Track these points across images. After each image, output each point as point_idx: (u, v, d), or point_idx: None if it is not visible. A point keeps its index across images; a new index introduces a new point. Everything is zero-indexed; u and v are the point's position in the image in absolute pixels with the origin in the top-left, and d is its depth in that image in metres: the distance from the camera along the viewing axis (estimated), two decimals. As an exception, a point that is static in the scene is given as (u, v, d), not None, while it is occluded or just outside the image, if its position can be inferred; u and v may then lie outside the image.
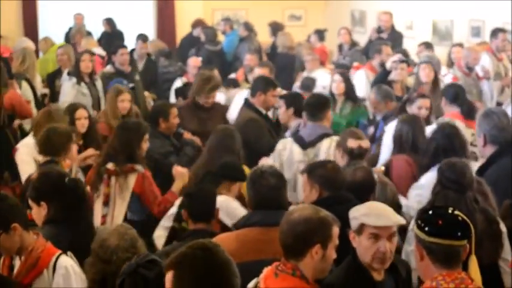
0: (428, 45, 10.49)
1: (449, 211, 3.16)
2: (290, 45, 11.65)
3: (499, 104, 8.72)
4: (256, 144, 6.60)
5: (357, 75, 9.33)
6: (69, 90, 8.70)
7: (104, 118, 7.36)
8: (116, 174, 5.77)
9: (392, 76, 8.32)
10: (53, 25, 14.28)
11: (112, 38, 12.60)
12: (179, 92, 9.10)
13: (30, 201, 4.36)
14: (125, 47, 9.76)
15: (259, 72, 7.87)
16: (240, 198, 5.28)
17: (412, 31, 12.96)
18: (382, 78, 8.26)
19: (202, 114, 7.45)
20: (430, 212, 3.19)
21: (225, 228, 4.83)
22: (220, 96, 8.54)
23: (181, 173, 6.02)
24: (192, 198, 4.75)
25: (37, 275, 3.83)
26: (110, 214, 5.77)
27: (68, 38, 12.49)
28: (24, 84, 8.62)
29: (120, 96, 7.34)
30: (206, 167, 5.73)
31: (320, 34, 12.73)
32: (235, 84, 9.35)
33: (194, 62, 10.00)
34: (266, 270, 3.51)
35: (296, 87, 10.05)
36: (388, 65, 8.32)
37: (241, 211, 4.97)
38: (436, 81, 8.03)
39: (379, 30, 11.81)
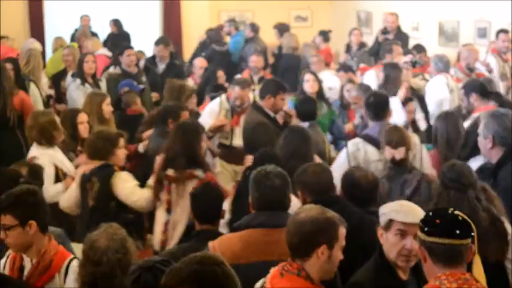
0: (420, 49, 10.50)
1: (449, 211, 3.16)
2: (295, 46, 11.66)
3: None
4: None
5: (367, 75, 9.35)
6: (75, 92, 8.75)
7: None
8: (175, 180, 5.61)
9: None
10: (59, 26, 14.30)
11: (118, 39, 12.61)
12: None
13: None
14: (131, 48, 9.78)
15: (238, 93, 7.53)
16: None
17: (418, 32, 12.96)
18: None
19: None
20: (431, 214, 3.20)
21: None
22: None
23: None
24: (197, 200, 4.74)
25: (49, 278, 3.84)
26: (170, 222, 5.62)
27: (73, 39, 12.51)
28: (32, 86, 8.63)
29: (106, 100, 7.28)
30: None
31: (325, 35, 12.73)
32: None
33: (200, 62, 10.01)
34: (272, 271, 3.51)
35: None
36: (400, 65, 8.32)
37: None
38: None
39: (385, 31, 11.82)
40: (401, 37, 11.53)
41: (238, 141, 7.36)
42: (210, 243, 4.14)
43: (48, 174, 5.95)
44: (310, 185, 4.62)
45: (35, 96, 8.53)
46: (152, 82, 9.78)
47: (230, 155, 7.31)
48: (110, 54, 11.22)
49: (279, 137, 6.73)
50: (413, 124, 7.60)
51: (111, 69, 9.61)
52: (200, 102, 8.41)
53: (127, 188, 5.60)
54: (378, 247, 3.79)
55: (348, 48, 12.35)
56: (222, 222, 4.95)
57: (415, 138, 6.14)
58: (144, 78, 9.46)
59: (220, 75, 9.11)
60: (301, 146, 5.82)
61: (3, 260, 4.08)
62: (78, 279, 3.76)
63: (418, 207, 3.82)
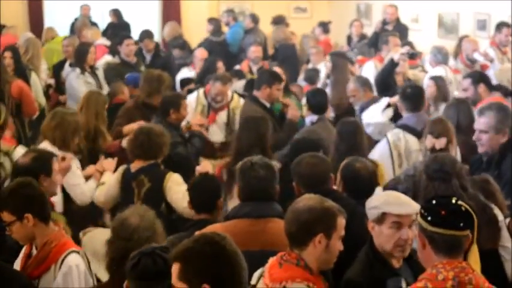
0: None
1: (453, 201, 3.17)
2: (284, 37, 11.65)
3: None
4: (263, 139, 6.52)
5: (365, 66, 9.37)
6: (76, 81, 8.73)
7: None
8: None
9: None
10: (58, 15, 14.29)
11: (118, 29, 12.60)
12: (185, 83, 9.11)
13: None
14: (130, 37, 9.79)
15: (219, 88, 7.51)
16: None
17: (418, 24, 12.94)
18: (389, 70, 8.25)
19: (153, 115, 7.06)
20: (434, 202, 3.19)
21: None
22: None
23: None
24: (194, 189, 4.77)
25: (45, 269, 3.83)
26: None
27: (73, 28, 12.49)
28: (33, 75, 8.63)
29: (106, 103, 7.11)
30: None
31: (324, 26, 12.73)
32: (240, 75, 9.35)
33: (201, 53, 10.00)
34: (271, 260, 3.53)
35: (300, 79, 10.08)
36: (396, 57, 8.29)
37: None
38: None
39: (384, 23, 11.81)
40: (400, 29, 11.53)
41: (213, 137, 7.43)
42: (197, 233, 4.15)
43: (78, 175, 5.79)
44: (304, 177, 4.60)
45: (36, 85, 8.55)
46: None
47: (206, 149, 7.23)
48: (109, 44, 11.23)
49: (276, 128, 6.78)
50: None
51: (110, 58, 9.61)
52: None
53: (180, 191, 5.39)
54: (369, 240, 3.80)
55: (349, 40, 12.34)
56: None
57: None
58: (143, 68, 9.47)
59: (220, 66, 9.10)
60: (357, 137, 5.81)
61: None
62: (106, 255, 3.78)
63: (405, 196, 3.85)
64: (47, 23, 12.89)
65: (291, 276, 3.39)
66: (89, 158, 6.39)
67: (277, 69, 8.36)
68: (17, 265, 4.00)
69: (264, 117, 6.05)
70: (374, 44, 11.09)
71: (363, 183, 4.76)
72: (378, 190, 4.91)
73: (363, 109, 7.26)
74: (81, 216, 5.79)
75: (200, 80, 8.87)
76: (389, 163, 6.10)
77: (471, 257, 3.24)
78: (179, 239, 3.99)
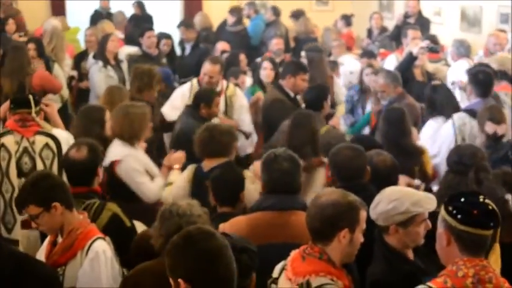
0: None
1: (481, 199, 3.13)
2: (305, 30, 11.62)
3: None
4: (278, 124, 6.48)
5: (388, 59, 9.34)
6: (97, 74, 8.79)
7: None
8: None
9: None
10: (81, 15, 14.30)
11: (141, 21, 12.62)
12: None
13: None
14: (152, 29, 9.81)
15: (208, 68, 7.33)
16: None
17: (440, 17, 12.85)
18: (407, 64, 8.21)
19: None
20: (462, 200, 3.13)
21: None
22: (248, 80, 8.58)
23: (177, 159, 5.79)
24: (216, 182, 4.79)
25: (71, 256, 3.87)
26: None
27: (94, 20, 12.51)
28: (56, 66, 8.66)
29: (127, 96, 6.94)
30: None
31: (347, 19, 12.69)
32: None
33: (222, 46, 9.99)
34: (293, 253, 3.53)
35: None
36: (415, 51, 8.26)
37: None
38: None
39: (406, 16, 11.76)
40: (422, 22, 11.47)
41: None
42: (221, 226, 4.20)
43: (143, 173, 5.69)
44: (341, 169, 4.60)
45: (59, 77, 8.57)
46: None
47: None
48: (123, 36, 11.25)
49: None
50: None
51: (134, 51, 9.64)
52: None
53: (253, 189, 5.27)
54: (381, 241, 3.79)
55: (370, 33, 12.30)
56: None
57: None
58: (164, 60, 9.49)
59: (242, 59, 9.10)
60: (404, 123, 5.88)
61: None
62: (157, 235, 3.79)
63: (407, 188, 3.93)
64: (70, 23, 12.88)
65: (314, 270, 3.39)
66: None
67: (212, 67, 7.79)
68: (41, 254, 4.05)
69: (313, 114, 6.02)
70: (396, 37, 11.04)
71: (380, 177, 4.70)
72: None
73: (390, 104, 7.18)
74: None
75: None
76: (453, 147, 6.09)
77: (492, 256, 3.22)
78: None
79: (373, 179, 4.70)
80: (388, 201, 3.77)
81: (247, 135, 7.37)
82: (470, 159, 4.71)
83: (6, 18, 10.96)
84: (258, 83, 7.97)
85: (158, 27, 11.10)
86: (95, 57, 9.05)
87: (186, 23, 11.18)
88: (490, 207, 3.11)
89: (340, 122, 7.53)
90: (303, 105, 7.08)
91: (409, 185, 5.16)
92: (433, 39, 9.83)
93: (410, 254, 3.81)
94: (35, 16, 12.89)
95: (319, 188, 5.34)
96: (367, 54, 10.06)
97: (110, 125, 5.82)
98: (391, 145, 5.43)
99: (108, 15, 12.77)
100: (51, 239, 4.03)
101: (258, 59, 10.18)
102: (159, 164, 5.96)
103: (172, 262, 2.83)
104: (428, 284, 3.00)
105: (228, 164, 5.22)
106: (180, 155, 5.86)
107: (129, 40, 10.93)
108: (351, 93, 8.33)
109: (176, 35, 11.18)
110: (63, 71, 8.88)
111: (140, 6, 13.52)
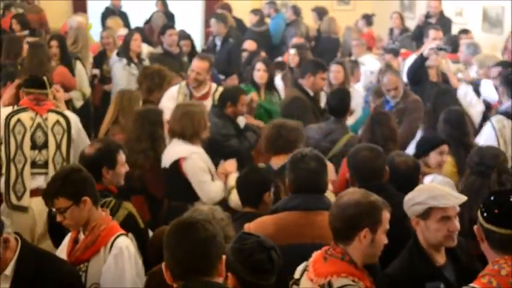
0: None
1: (510, 199, 3.10)
2: (330, 29, 11.62)
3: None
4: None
5: (409, 60, 9.27)
6: (120, 72, 8.82)
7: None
8: None
9: (428, 62, 8.17)
10: (102, 4, 14.36)
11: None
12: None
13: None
14: (173, 27, 9.82)
15: (196, 64, 7.24)
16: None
17: (462, 17, 12.79)
18: (419, 64, 8.14)
19: None
20: (492, 198, 3.10)
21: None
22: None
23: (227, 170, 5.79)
24: (241, 182, 4.82)
25: (94, 252, 3.88)
26: None
27: (104, 18, 12.52)
28: (78, 64, 8.71)
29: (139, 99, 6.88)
30: None
31: (368, 19, 12.66)
32: (282, 67, 9.35)
33: (250, 45, 9.98)
34: (315, 254, 3.54)
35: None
36: (426, 52, 8.15)
37: None
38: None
39: (427, 16, 11.71)
40: (443, 22, 11.41)
41: None
42: (246, 225, 4.19)
43: (207, 172, 5.70)
44: (359, 170, 4.60)
45: (81, 74, 8.62)
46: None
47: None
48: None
49: (316, 115, 6.77)
50: None
51: (155, 49, 9.66)
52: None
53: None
54: (413, 236, 3.80)
55: (391, 33, 12.28)
56: None
57: None
58: (185, 58, 9.50)
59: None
60: (466, 124, 5.83)
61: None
62: None
63: (449, 187, 3.89)
64: (91, 21, 12.93)
65: (336, 271, 3.40)
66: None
67: (201, 64, 7.61)
68: (63, 251, 4.06)
69: (389, 112, 5.99)
70: (417, 37, 11.01)
71: (402, 178, 4.71)
72: None
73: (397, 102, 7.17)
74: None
75: (238, 71, 8.85)
76: None
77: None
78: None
79: (394, 179, 4.69)
80: (412, 193, 3.87)
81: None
82: (491, 160, 4.69)
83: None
84: (252, 84, 7.78)
85: (179, 25, 11.12)
86: (118, 54, 9.08)
87: (218, 16, 11.08)
88: None
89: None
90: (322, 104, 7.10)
91: None
92: (454, 40, 9.78)
93: (440, 258, 3.78)
94: (56, 14, 12.98)
95: None
96: (391, 51, 10.02)
97: (169, 125, 5.87)
98: (458, 145, 5.38)
99: (121, 14, 12.77)
100: (73, 235, 4.04)
101: (279, 58, 10.21)
102: None
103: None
104: (472, 285, 2.96)
105: (252, 165, 5.22)
106: (232, 162, 5.91)
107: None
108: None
109: (196, 34, 11.15)
110: (85, 69, 8.93)
111: (163, 4, 13.51)
